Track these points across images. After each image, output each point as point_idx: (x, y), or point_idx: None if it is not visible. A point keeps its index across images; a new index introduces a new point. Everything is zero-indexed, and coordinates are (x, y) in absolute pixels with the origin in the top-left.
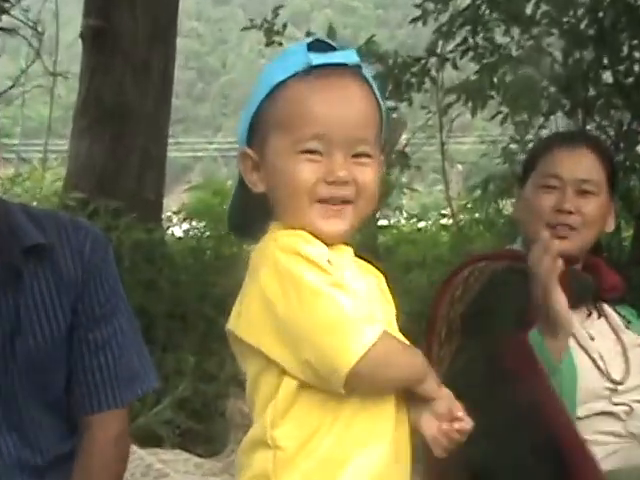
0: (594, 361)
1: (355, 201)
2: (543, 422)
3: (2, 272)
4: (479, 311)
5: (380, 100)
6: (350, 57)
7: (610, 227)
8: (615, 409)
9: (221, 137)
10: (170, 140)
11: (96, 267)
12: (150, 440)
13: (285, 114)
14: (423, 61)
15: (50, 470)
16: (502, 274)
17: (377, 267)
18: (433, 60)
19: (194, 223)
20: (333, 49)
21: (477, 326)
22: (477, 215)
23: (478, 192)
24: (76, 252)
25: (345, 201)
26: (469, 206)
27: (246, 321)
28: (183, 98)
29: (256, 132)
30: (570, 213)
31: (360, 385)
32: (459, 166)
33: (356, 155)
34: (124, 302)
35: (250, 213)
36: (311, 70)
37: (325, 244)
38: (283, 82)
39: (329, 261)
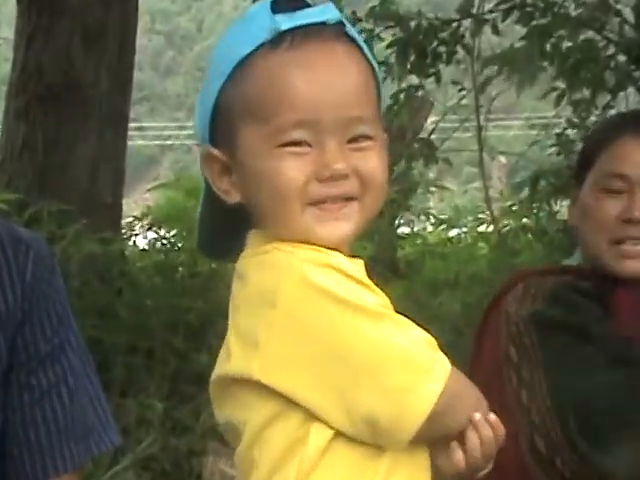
0: None
1: (360, 197)
2: None
3: None
4: (554, 321)
5: (373, 62)
6: (328, 13)
7: None
8: None
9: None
10: (131, 125)
11: (41, 293)
12: None
13: (255, 99)
14: (455, 24)
15: None
16: (564, 292)
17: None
18: (467, 23)
19: (162, 232)
20: (304, 5)
21: (553, 359)
22: (525, 221)
23: (526, 191)
24: (15, 274)
25: (347, 198)
26: (514, 209)
27: (264, 359)
28: (147, 71)
29: (221, 126)
30: None
31: (428, 434)
32: (502, 158)
33: (353, 139)
34: (75, 335)
35: (224, 229)
36: (282, 37)
37: None
38: (247, 57)
39: None
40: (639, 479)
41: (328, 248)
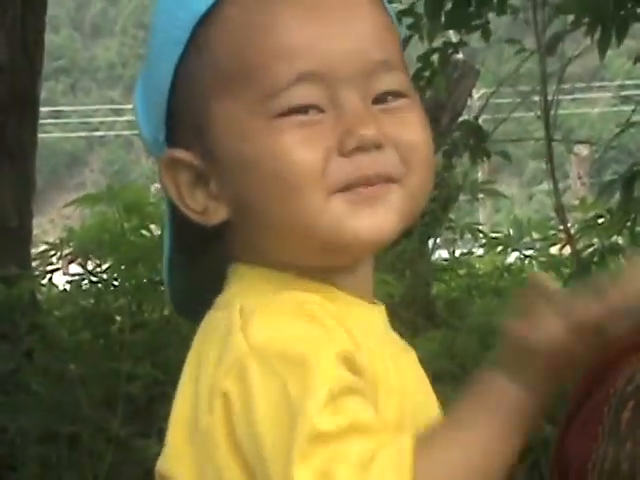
0: None
1: (402, 178)
2: None
3: None
4: None
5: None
6: None
7: None
8: None
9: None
10: (44, 109)
11: None
12: None
13: (233, 60)
14: None
15: None
16: None
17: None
18: None
19: (91, 265)
20: None
21: None
22: (617, 239)
23: (618, 195)
24: None
25: (386, 179)
26: (601, 222)
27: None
28: (66, 31)
29: (184, 116)
30: None
31: None
32: (582, 147)
33: (380, 99)
34: None
35: (208, 273)
36: None
37: (351, 269)
38: (211, 10)
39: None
40: None
41: (363, 249)
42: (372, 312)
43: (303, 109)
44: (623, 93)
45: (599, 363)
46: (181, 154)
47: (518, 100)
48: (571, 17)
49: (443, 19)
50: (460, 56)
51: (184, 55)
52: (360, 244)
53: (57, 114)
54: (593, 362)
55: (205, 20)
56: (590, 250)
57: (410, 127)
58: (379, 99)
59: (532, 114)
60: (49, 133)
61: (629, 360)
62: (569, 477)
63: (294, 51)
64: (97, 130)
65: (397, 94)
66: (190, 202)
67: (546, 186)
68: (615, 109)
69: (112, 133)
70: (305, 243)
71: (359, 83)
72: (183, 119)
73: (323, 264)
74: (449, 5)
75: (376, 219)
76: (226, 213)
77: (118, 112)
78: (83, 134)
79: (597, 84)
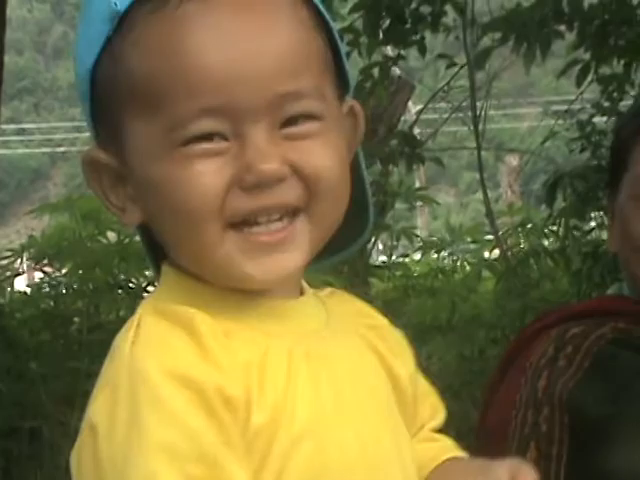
0: None
1: (307, 206)
2: None
3: None
4: (589, 420)
5: (321, 10)
6: None
7: None
8: None
9: None
10: (7, 127)
11: None
12: None
13: (142, 78)
14: None
15: None
16: (609, 352)
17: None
18: None
19: (50, 269)
20: None
21: (594, 442)
22: (545, 242)
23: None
24: None
25: (289, 211)
26: (529, 226)
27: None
28: (29, 53)
29: (103, 116)
30: None
31: None
32: (512, 158)
33: (289, 122)
34: None
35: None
36: None
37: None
38: (128, 13)
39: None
40: None
41: (263, 288)
42: (306, 300)
43: (207, 137)
44: (551, 108)
45: (520, 337)
46: (100, 155)
47: (448, 114)
48: (499, 35)
49: (381, 36)
50: (397, 72)
51: (102, 54)
52: (253, 284)
53: (22, 132)
54: (516, 336)
55: (122, 24)
56: (519, 254)
57: (317, 153)
58: (288, 122)
59: (466, 128)
60: (14, 150)
61: (549, 334)
62: (491, 443)
63: (199, 84)
64: (60, 146)
65: (310, 117)
66: (113, 199)
67: (480, 195)
68: (543, 123)
69: (74, 149)
70: (204, 269)
71: (264, 115)
72: (103, 119)
73: (227, 285)
74: (387, 22)
75: (275, 265)
76: (141, 217)
77: (79, 129)
78: (46, 150)
79: (526, 100)
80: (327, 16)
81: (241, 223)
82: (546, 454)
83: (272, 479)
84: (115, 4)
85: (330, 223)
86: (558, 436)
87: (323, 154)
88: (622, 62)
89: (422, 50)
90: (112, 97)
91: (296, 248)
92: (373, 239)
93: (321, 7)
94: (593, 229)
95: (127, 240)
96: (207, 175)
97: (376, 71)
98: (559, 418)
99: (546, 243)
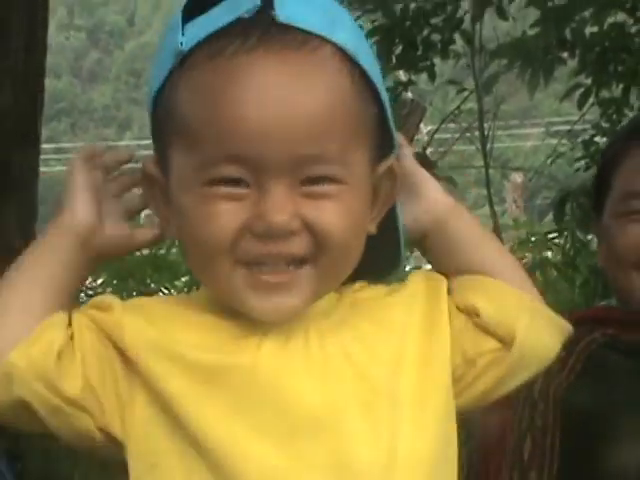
0: None
1: (314, 259)
2: None
3: None
4: (583, 418)
5: (362, 65)
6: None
7: None
8: None
9: (133, 137)
10: (46, 146)
11: None
12: None
13: (183, 117)
14: (450, 7)
15: None
16: (601, 357)
17: None
18: (466, 5)
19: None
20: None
21: (587, 439)
22: (549, 255)
23: (550, 216)
24: None
25: (295, 260)
26: (533, 239)
27: None
28: (66, 77)
29: (158, 139)
30: None
31: None
32: (516, 175)
33: (311, 180)
34: None
35: None
36: (207, 45)
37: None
38: (188, 56)
39: None
40: None
41: (266, 321)
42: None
43: (232, 181)
44: (551, 129)
45: None
46: (153, 170)
47: (458, 135)
48: (505, 61)
49: (394, 61)
50: (409, 95)
51: (163, 86)
52: (255, 316)
53: (59, 150)
54: None
55: (184, 62)
56: (527, 265)
57: (331, 213)
58: (311, 180)
59: (474, 147)
60: (52, 167)
61: None
62: (492, 442)
63: (227, 134)
64: None
65: (330, 179)
66: (162, 209)
67: (487, 210)
68: (545, 142)
69: None
70: (217, 293)
71: (286, 171)
72: (158, 139)
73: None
74: (399, 49)
75: (274, 304)
76: (174, 233)
77: (113, 148)
78: None
79: (530, 122)
80: (377, 81)
81: (251, 262)
82: (541, 445)
83: None
84: (181, 44)
85: (336, 275)
86: (552, 429)
87: (337, 215)
88: (621, 87)
89: (432, 75)
90: (164, 123)
91: (297, 293)
92: None
93: (371, 72)
94: (590, 241)
95: (159, 252)
96: (223, 216)
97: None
98: (553, 413)
99: (549, 255)
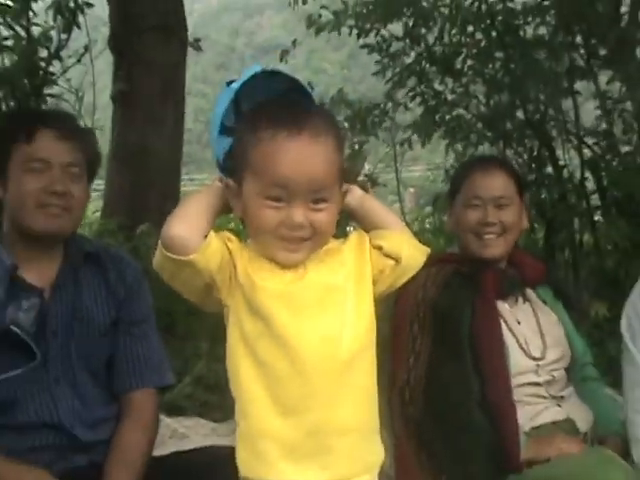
0: (519, 343)
1: (311, 238)
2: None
3: (68, 269)
4: (442, 311)
5: (339, 136)
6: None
7: (525, 225)
8: (539, 379)
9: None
10: (183, 176)
11: (134, 291)
12: (175, 410)
13: (257, 163)
14: (382, 105)
15: (97, 425)
16: (453, 280)
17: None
18: (390, 104)
19: None
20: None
21: (443, 322)
22: (427, 226)
23: (428, 208)
24: (120, 276)
25: (302, 239)
26: (419, 219)
27: None
28: (194, 144)
29: (236, 163)
30: (493, 224)
31: None
32: (411, 189)
33: (315, 200)
34: (151, 311)
35: None
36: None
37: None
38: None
39: None
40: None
41: (284, 266)
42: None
43: (275, 198)
44: (428, 167)
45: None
46: (230, 182)
47: (383, 169)
48: (408, 131)
49: (356, 132)
50: (357, 147)
51: (249, 132)
52: (282, 263)
53: (190, 179)
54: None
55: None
56: (416, 231)
57: (323, 217)
58: (315, 200)
59: (391, 175)
60: (185, 187)
61: (427, 270)
62: (395, 392)
63: (277, 177)
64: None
65: (324, 200)
66: (232, 202)
67: (397, 205)
68: (425, 174)
69: None
70: (263, 250)
71: (304, 196)
72: (235, 165)
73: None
74: (358, 126)
75: (290, 257)
76: (240, 215)
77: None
78: (201, 187)
79: (417, 162)
80: (344, 141)
81: (284, 238)
82: (421, 326)
83: None
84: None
85: (321, 245)
86: (428, 321)
87: (325, 218)
88: (462, 145)
89: (377, 138)
90: (244, 160)
91: (303, 252)
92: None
93: (341, 136)
94: None
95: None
96: (270, 217)
97: (355, 148)
98: (428, 311)
99: (428, 226)
